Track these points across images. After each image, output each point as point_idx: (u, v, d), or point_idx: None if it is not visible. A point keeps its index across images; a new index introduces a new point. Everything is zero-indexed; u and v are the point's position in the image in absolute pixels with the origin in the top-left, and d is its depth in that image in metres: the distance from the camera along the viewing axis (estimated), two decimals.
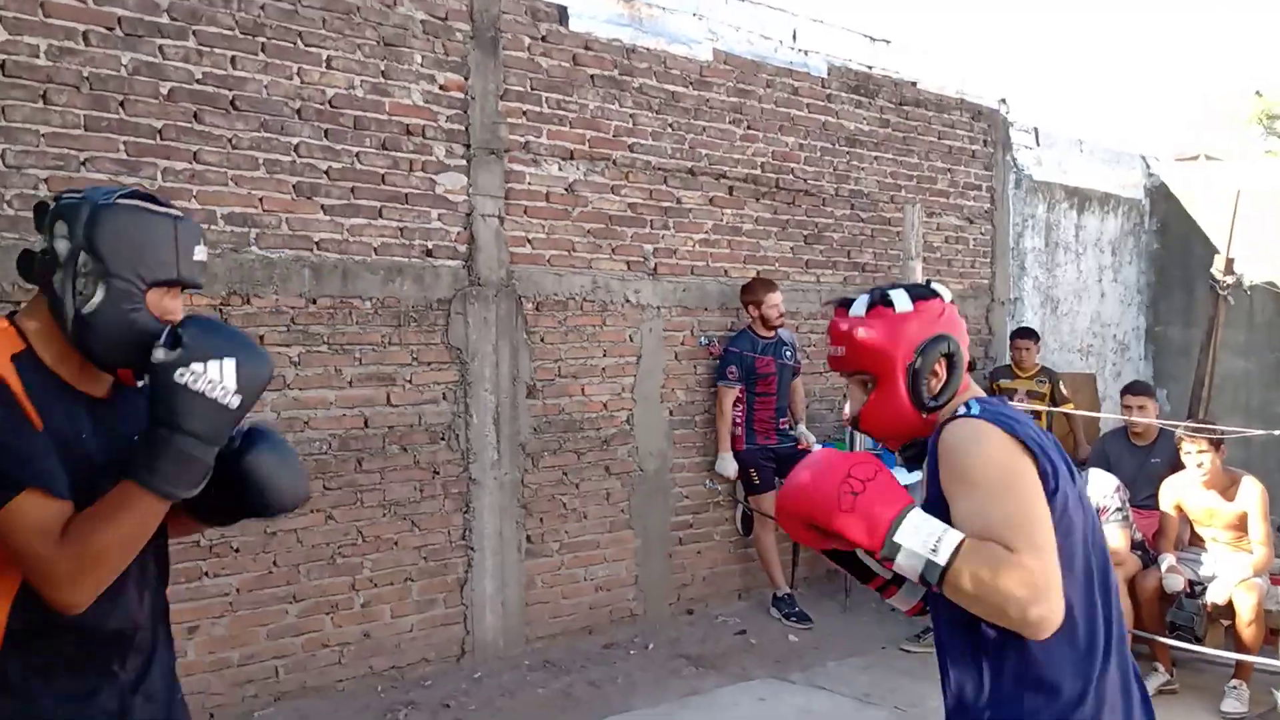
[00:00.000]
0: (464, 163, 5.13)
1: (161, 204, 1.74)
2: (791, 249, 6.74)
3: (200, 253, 1.75)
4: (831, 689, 5.10)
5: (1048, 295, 8.69)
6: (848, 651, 5.63)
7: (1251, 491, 4.91)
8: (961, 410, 1.85)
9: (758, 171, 6.50)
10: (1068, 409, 7.16)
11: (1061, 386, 7.40)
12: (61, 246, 1.67)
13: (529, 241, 5.41)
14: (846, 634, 5.94)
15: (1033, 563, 1.64)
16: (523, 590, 5.40)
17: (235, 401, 1.62)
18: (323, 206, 4.67)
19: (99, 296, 1.65)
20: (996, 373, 7.61)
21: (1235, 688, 4.72)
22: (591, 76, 5.64)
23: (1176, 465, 5.24)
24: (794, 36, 6.73)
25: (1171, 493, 5.14)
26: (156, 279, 1.68)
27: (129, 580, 1.73)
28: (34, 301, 1.73)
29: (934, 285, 2.00)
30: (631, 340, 5.86)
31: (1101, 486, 5.00)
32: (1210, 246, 8.73)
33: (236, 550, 4.46)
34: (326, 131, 4.66)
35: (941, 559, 1.66)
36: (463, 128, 5.12)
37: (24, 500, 1.55)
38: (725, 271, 6.35)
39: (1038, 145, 8.51)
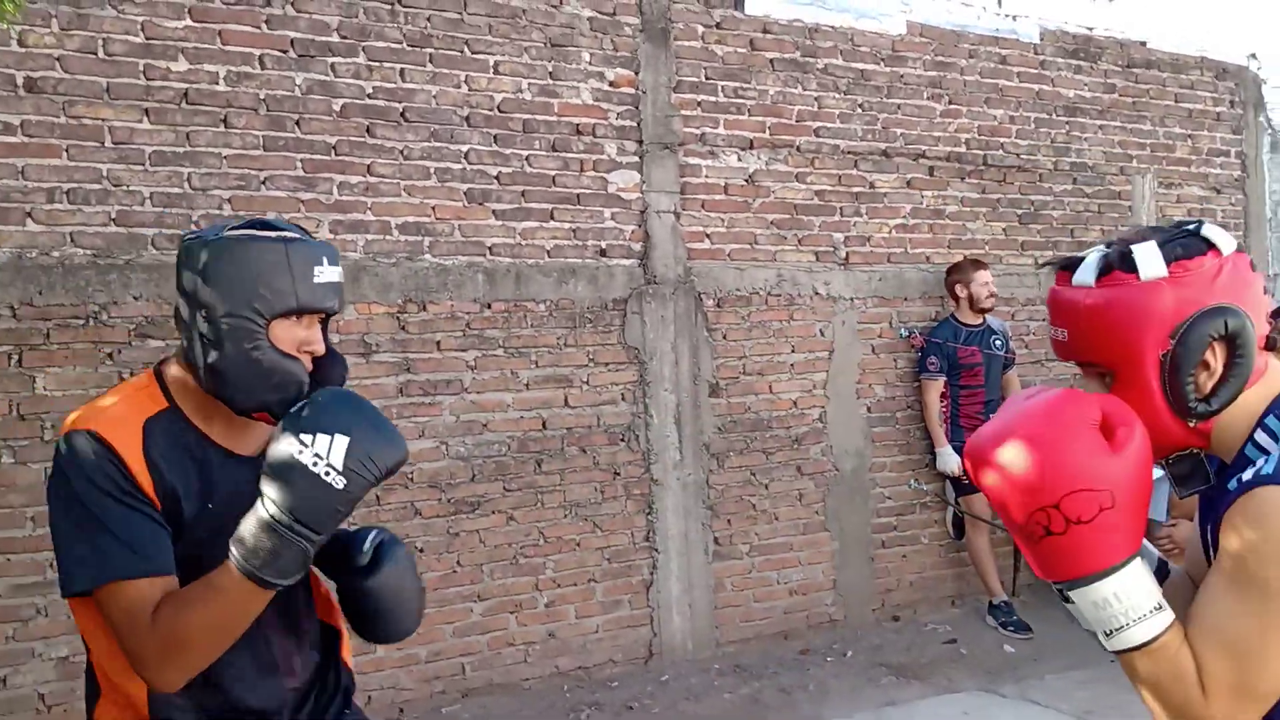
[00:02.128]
0: (636, 159, 5.07)
1: (279, 227, 1.62)
2: (1004, 230, 6.25)
3: (325, 274, 1.59)
4: (1046, 704, 4.66)
5: None
6: (1070, 664, 5.14)
7: None
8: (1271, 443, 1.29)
9: (962, 149, 6.07)
10: None
11: None
12: (183, 291, 1.59)
13: (707, 236, 5.28)
14: (1071, 645, 5.42)
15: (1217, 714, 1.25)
16: (711, 593, 5.28)
17: (340, 483, 1.42)
18: (494, 212, 4.73)
19: (220, 338, 1.55)
20: None
21: None
22: (770, 61, 5.44)
23: None
24: (999, 2, 6.24)
25: None
26: (276, 310, 1.55)
27: (273, 652, 1.68)
28: (178, 350, 1.65)
29: (1207, 230, 1.38)
30: (822, 335, 5.61)
31: None
32: None
33: (421, 550, 4.59)
34: (495, 137, 4.72)
35: (1118, 644, 1.31)
36: (634, 124, 5.05)
37: (117, 586, 1.49)
38: (927, 258, 5.96)
39: None
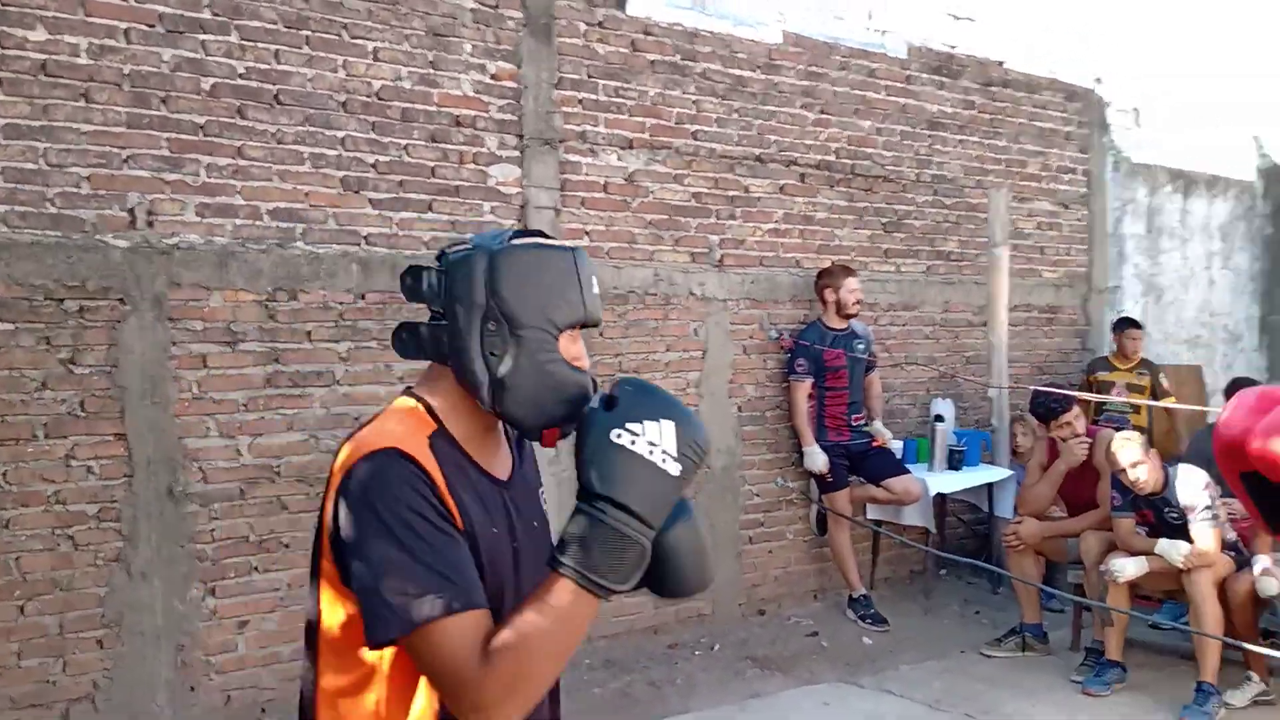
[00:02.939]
0: (517, 154, 5.05)
1: (552, 236, 1.55)
2: (869, 237, 6.48)
3: (596, 285, 1.52)
4: (901, 694, 4.85)
5: (1150, 283, 8.19)
6: (924, 655, 5.37)
7: None
8: None
9: (832, 157, 6.26)
10: (1168, 403, 6.73)
11: (1162, 379, 6.96)
12: (460, 305, 1.46)
13: (586, 234, 5.29)
14: (924, 637, 5.67)
15: None
16: None
17: (675, 469, 1.34)
18: (371, 201, 4.64)
19: (514, 353, 1.44)
20: (1094, 365, 7.21)
21: None
22: (651, 62, 5.49)
23: None
24: (869, 16, 6.46)
25: None
26: (568, 322, 1.48)
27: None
28: (430, 375, 1.52)
29: None
30: (696, 335, 5.70)
31: (1190, 483, 4.65)
32: None
33: (287, 546, 4.46)
34: (373, 124, 4.63)
35: None
36: (515, 118, 5.03)
37: (451, 622, 1.32)
38: (797, 262, 6.13)
39: (1138, 126, 8.02)
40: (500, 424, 1.55)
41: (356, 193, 4.60)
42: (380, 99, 4.65)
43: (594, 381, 1.54)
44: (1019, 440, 6.53)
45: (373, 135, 4.63)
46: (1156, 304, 8.22)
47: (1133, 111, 7.99)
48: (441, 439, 1.44)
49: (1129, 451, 4.74)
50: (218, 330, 4.29)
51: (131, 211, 4.09)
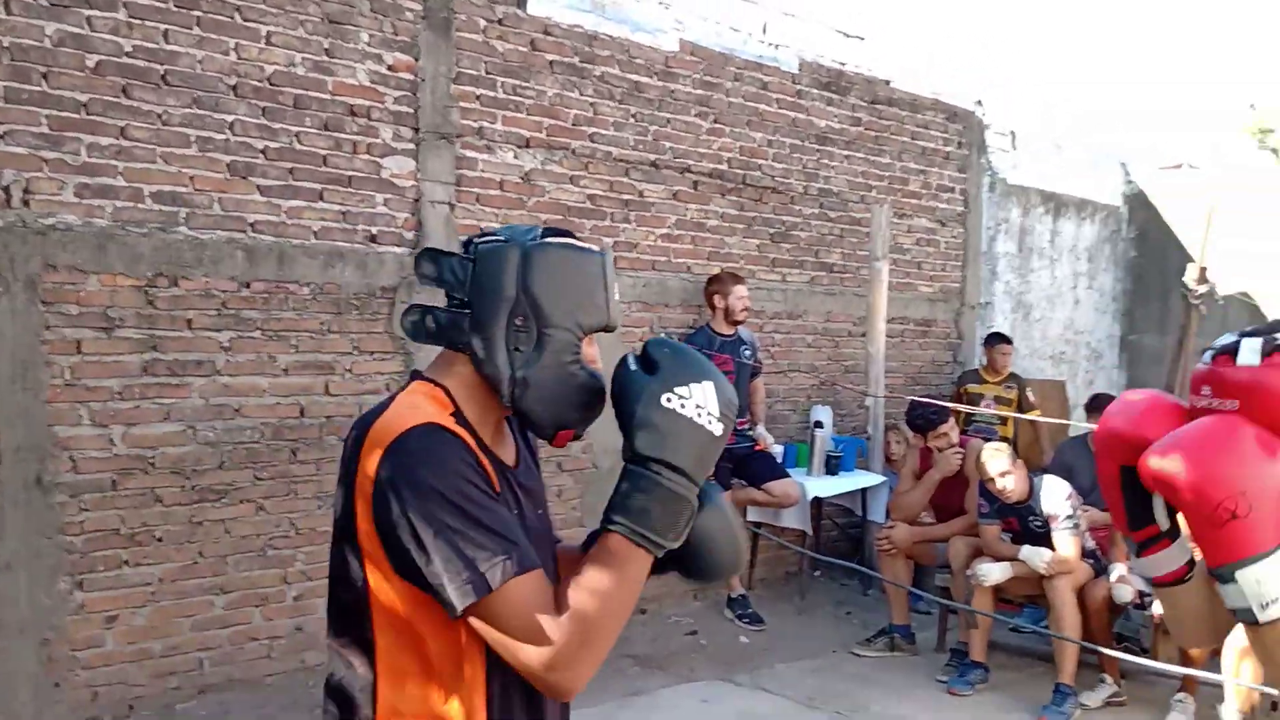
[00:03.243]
0: (412, 146, 5.00)
1: (579, 238, 1.53)
2: (757, 247, 6.62)
3: (618, 290, 1.52)
4: (776, 691, 4.98)
5: (1019, 300, 8.58)
6: (798, 654, 5.52)
7: None
8: None
9: (724, 166, 6.38)
10: (1034, 415, 7.06)
11: (1029, 393, 7.30)
12: (489, 296, 1.44)
13: (481, 230, 5.27)
14: (799, 636, 5.82)
15: None
16: None
17: (719, 429, 1.37)
18: (259, 187, 4.53)
19: (539, 351, 1.43)
20: (964, 377, 7.51)
21: (1181, 701, 4.61)
22: (550, 63, 5.51)
23: None
24: (764, 29, 6.61)
25: None
26: (593, 326, 1.47)
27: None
28: (443, 361, 1.50)
29: None
30: None
31: (1053, 493, 4.90)
32: (1187, 255, 8.64)
33: (159, 539, 4.33)
34: (264, 110, 4.52)
35: (1273, 613, 1.50)
36: (411, 110, 4.98)
37: (524, 580, 1.32)
38: (688, 268, 6.22)
39: (1014, 149, 8.40)
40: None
41: (244, 178, 4.49)
42: (272, 84, 4.55)
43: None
44: (892, 448, 6.76)
45: (263, 121, 4.53)
46: (1025, 320, 8.61)
47: (1009, 134, 8.36)
48: (461, 420, 1.44)
49: (997, 462, 4.98)
50: (94, 315, 4.14)
51: (7, 189, 3.91)
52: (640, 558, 1.34)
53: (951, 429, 5.52)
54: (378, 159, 4.90)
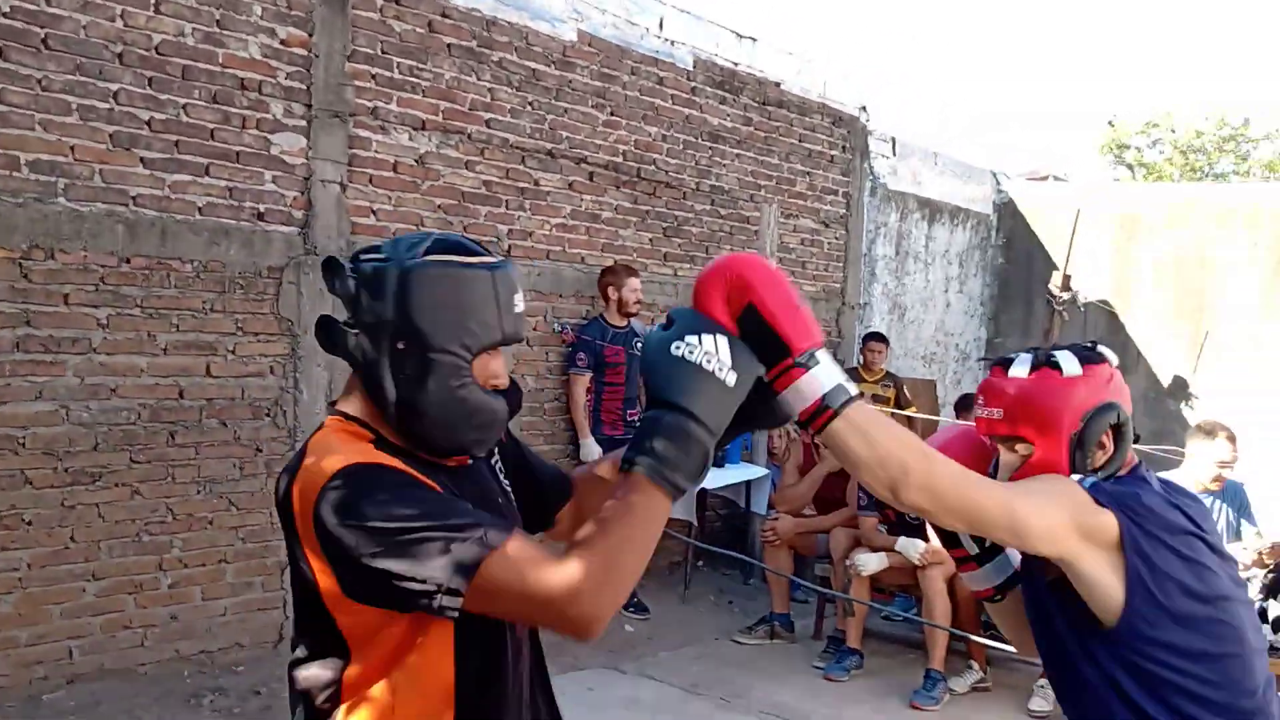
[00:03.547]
0: (304, 124, 4.88)
1: (473, 249, 1.47)
2: (650, 240, 6.69)
3: (520, 302, 1.48)
4: (660, 679, 5.06)
5: (896, 302, 8.89)
6: (681, 642, 5.61)
7: None
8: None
9: (619, 159, 6.42)
10: (910, 413, 7.33)
11: (905, 391, 7.57)
12: (368, 320, 1.41)
13: (373, 212, 5.19)
14: (682, 625, 5.92)
15: (946, 470, 1.53)
16: None
17: (732, 379, 1.34)
18: (142, 159, 4.36)
19: (423, 376, 1.40)
20: None
21: (1043, 686, 4.86)
22: (448, 45, 5.45)
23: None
24: (661, 25, 6.67)
25: None
26: (483, 345, 1.43)
27: (507, 680, 1.50)
28: (353, 383, 1.47)
29: (1101, 349, 1.84)
30: None
31: None
32: (1051, 263, 9.10)
33: (29, 523, 4.13)
34: (150, 80, 4.35)
35: (854, 391, 1.46)
36: (304, 87, 4.86)
37: (506, 546, 1.31)
38: (582, 259, 6.24)
39: (894, 155, 8.68)
40: None
41: (127, 150, 4.31)
42: (160, 54, 4.37)
43: (517, 389, 1.53)
44: (775, 442, 6.92)
45: (149, 91, 4.35)
46: (900, 321, 8.92)
47: (890, 141, 8.64)
48: (384, 445, 1.43)
49: None
50: None
51: None
52: (657, 495, 1.33)
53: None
54: (267, 135, 4.77)
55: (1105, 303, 9.04)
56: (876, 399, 7.42)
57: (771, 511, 6.29)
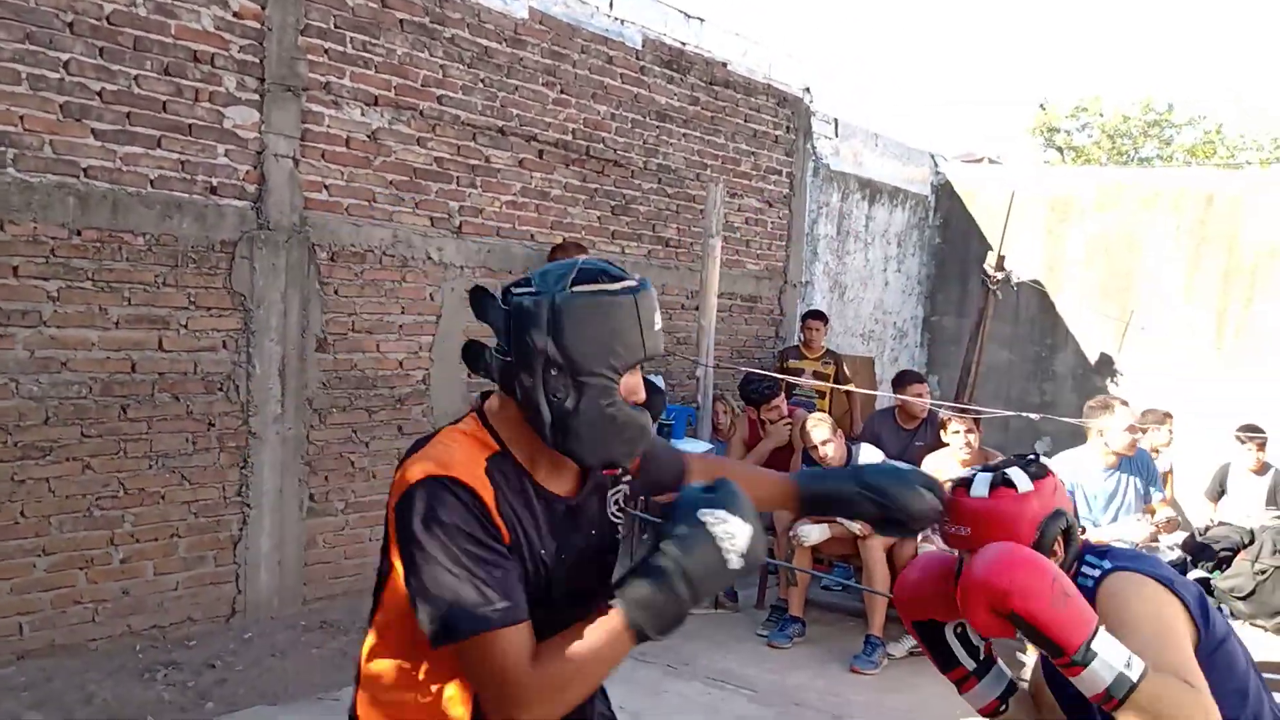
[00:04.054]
0: (257, 97, 4.85)
1: (616, 274, 1.57)
2: (599, 218, 6.75)
3: (658, 320, 1.58)
4: None
5: (836, 281, 9.07)
6: None
7: None
8: (1094, 566, 2.01)
9: (569, 137, 6.46)
10: (850, 388, 7.51)
11: (845, 368, 7.75)
12: (524, 348, 1.52)
13: (326, 187, 5.18)
14: None
15: (1208, 701, 1.74)
16: (303, 549, 5.21)
17: (737, 564, 1.48)
18: (93, 131, 4.31)
19: (576, 398, 1.52)
20: (786, 353, 7.89)
21: None
22: (400, 21, 5.44)
23: (936, 446, 5.61)
24: (610, 4, 6.71)
25: (931, 466, 5.48)
26: (629, 365, 1.55)
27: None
28: (500, 396, 1.61)
29: (1043, 460, 2.08)
30: (432, 299, 5.73)
31: (868, 460, 5.28)
32: (986, 244, 9.35)
33: None
34: (102, 50, 4.30)
35: (1134, 675, 1.72)
36: (257, 60, 4.83)
37: (496, 634, 1.44)
38: (532, 236, 6.29)
39: (836, 136, 8.84)
40: None
41: (78, 121, 4.26)
42: (111, 24, 4.32)
43: (659, 393, 1.66)
44: (720, 418, 7.06)
45: (101, 61, 4.30)
46: (840, 300, 9.11)
47: (833, 122, 8.79)
48: (504, 460, 1.55)
49: (820, 431, 5.33)
50: None
51: None
52: (625, 638, 1.48)
53: (782, 402, 5.85)
54: (220, 108, 4.73)
55: (1037, 282, 9.32)
56: (817, 375, 7.59)
57: None
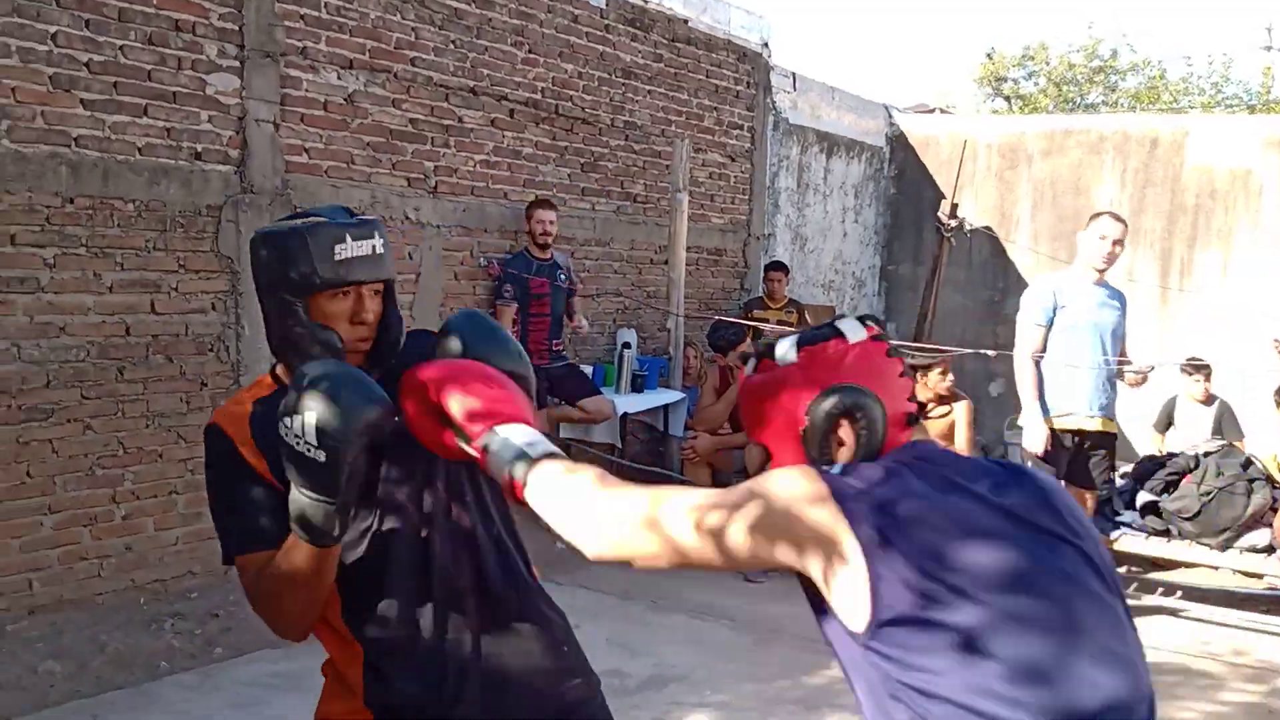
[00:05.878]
0: (237, 64, 4.95)
1: (312, 214, 1.75)
2: (569, 176, 6.91)
3: (348, 249, 1.71)
4: (593, 588, 5.42)
5: (797, 233, 9.31)
6: None
7: (960, 409, 5.67)
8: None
9: (538, 96, 6.60)
10: None
11: (807, 317, 8.02)
12: (255, 283, 1.80)
13: (305, 151, 5.31)
14: None
15: (622, 507, 1.42)
16: None
17: (321, 456, 1.52)
18: (82, 101, 4.41)
19: (271, 318, 1.76)
20: (750, 304, 8.14)
21: None
22: None
23: None
24: None
25: None
26: (308, 289, 1.71)
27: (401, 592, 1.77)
28: None
29: (840, 322, 1.51)
30: (410, 258, 5.88)
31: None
32: (939, 192, 9.63)
33: None
34: (88, 22, 4.38)
35: (535, 453, 1.43)
36: (236, 27, 4.93)
37: (243, 560, 1.71)
38: (505, 194, 6.45)
39: (795, 90, 9.03)
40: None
41: (67, 91, 4.36)
42: None
43: (396, 322, 1.82)
44: (691, 363, 7.31)
45: (87, 33, 4.39)
46: (801, 251, 9.36)
47: (791, 76, 8.98)
48: (271, 400, 1.70)
49: None
50: None
51: None
52: (300, 545, 1.61)
53: (747, 346, 6.10)
54: (202, 76, 4.84)
55: (989, 229, 9.63)
56: (781, 324, 7.85)
57: (689, 432, 6.68)
